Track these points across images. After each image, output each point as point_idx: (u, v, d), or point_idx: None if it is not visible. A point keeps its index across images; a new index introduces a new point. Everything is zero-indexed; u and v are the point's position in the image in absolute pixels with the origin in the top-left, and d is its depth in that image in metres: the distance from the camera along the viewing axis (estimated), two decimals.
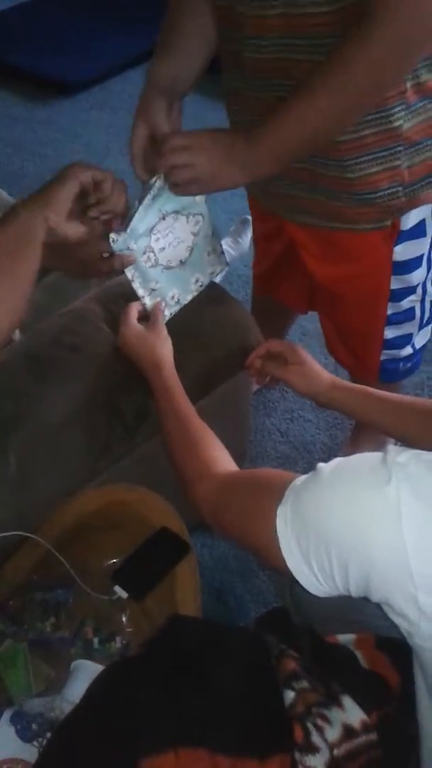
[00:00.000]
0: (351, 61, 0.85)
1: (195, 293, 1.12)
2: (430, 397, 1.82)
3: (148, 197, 0.96)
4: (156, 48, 1.06)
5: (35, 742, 0.85)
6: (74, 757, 0.72)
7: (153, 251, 1.01)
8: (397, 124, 1.00)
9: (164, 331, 1.04)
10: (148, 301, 1.06)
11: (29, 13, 3.68)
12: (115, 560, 1.04)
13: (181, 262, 1.06)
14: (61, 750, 0.75)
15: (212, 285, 1.20)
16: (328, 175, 1.07)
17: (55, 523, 1.00)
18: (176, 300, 1.09)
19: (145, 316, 1.07)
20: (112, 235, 0.94)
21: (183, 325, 1.11)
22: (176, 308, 1.10)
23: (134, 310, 1.05)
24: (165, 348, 1.02)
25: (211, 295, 1.19)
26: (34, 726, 0.86)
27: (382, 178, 1.06)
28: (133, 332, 1.02)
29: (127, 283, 1.05)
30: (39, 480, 0.99)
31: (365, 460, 0.67)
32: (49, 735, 0.84)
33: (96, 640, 0.98)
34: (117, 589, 0.98)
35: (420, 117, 1.01)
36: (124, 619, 1.00)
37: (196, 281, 1.12)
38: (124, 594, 0.98)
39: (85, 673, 0.89)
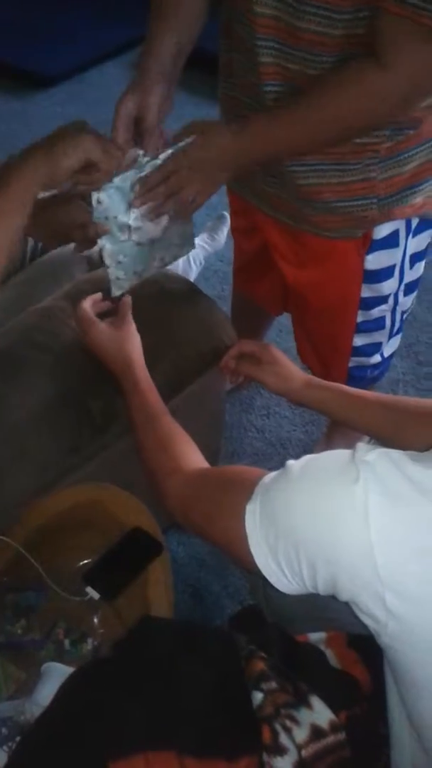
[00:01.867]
0: (338, 102, 0.90)
1: (156, 270, 1.11)
2: (405, 393, 1.82)
3: (132, 172, 0.94)
4: (153, 15, 1.00)
5: (5, 747, 0.85)
6: (43, 761, 0.71)
7: (129, 228, 0.99)
8: (374, 140, 1.00)
9: (133, 327, 1.02)
10: (112, 272, 1.03)
11: (4, 4, 3.63)
12: (87, 561, 1.03)
13: (151, 240, 1.04)
14: (29, 754, 0.74)
15: (185, 282, 1.19)
16: (298, 184, 1.07)
17: (26, 524, 0.99)
18: (138, 274, 1.07)
19: (108, 312, 1.05)
20: (95, 194, 0.92)
21: (155, 323, 1.10)
22: (136, 281, 1.08)
23: (89, 304, 1.03)
24: (134, 345, 1.00)
25: (184, 293, 1.18)
26: (3, 730, 0.85)
27: (356, 188, 1.05)
28: (99, 330, 1.00)
29: (98, 281, 1.04)
30: (5, 480, 0.97)
31: (334, 458, 0.67)
32: (19, 739, 0.83)
33: (67, 642, 0.97)
34: (89, 589, 0.97)
35: (399, 136, 1.01)
36: (95, 620, 1.00)
37: (161, 259, 1.10)
38: (96, 595, 0.97)
39: (56, 675, 0.88)
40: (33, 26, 3.35)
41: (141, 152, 0.95)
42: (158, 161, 0.94)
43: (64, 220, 0.94)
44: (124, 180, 0.93)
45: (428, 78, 0.88)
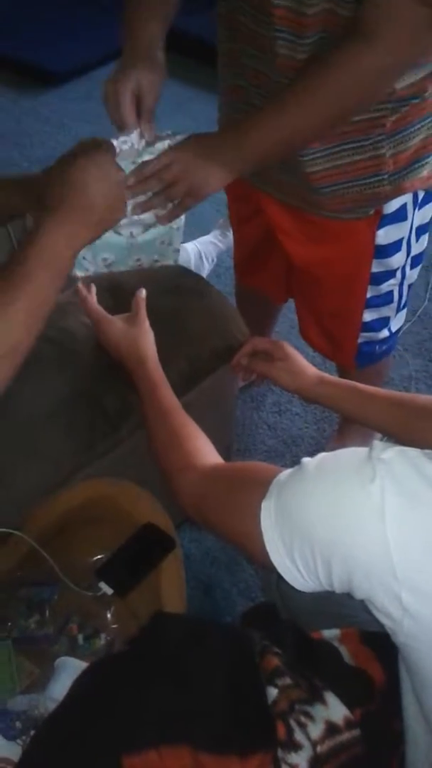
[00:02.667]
0: (330, 83, 0.88)
1: (129, 268, 1.06)
2: (418, 391, 1.82)
3: (130, 153, 0.93)
4: (128, 5, 1.01)
5: (19, 741, 0.85)
6: (57, 756, 0.72)
7: None
8: (378, 114, 1.00)
9: (146, 324, 1.02)
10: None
11: (14, 1, 3.65)
12: (100, 556, 1.03)
13: (131, 234, 1.01)
14: (44, 748, 0.74)
15: (198, 278, 1.19)
16: (308, 171, 1.07)
17: (40, 519, 0.99)
18: (107, 264, 1.03)
19: (121, 308, 1.05)
20: None
21: (168, 319, 1.10)
22: (103, 269, 1.03)
23: (94, 300, 1.02)
24: (148, 341, 1.01)
25: (196, 288, 1.18)
26: (17, 724, 0.86)
27: (367, 166, 1.06)
28: (113, 326, 1.01)
29: (112, 278, 1.03)
30: (18, 476, 0.98)
31: (350, 456, 0.66)
32: (32, 733, 0.84)
33: (81, 637, 0.97)
34: (102, 585, 0.97)
35: (403, 108, 1.01)
36: (108, 615, 1.00)
37: (137, 260, 1.06)
38: (108, 590, 0.97)
39: (69, 670, 0.89)
40: (43, 24, 3.38)
41: (137, 132, 0.93)
42: (155, 149, 0.92)
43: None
44: (121, 160, 0.91)
45: (415, 44, 0.87)
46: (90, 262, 1.01)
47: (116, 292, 1.08)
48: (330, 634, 0.82)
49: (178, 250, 1.07)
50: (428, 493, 0.60)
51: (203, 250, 2.02)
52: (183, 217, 1.02)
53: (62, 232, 0.78)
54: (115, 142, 0.90)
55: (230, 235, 2.11)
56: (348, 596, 0.67)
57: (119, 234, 1.00)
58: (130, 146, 0.93)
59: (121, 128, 0.94)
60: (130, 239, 1.01)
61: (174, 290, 1.14)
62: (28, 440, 0.98)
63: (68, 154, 0.87)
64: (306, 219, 1.18)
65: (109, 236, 0.98)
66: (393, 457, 0.63)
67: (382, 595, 0.60)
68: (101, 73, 3.10)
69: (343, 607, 0.85)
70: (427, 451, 0.64)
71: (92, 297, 1.04)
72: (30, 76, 3.09)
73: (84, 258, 1.00)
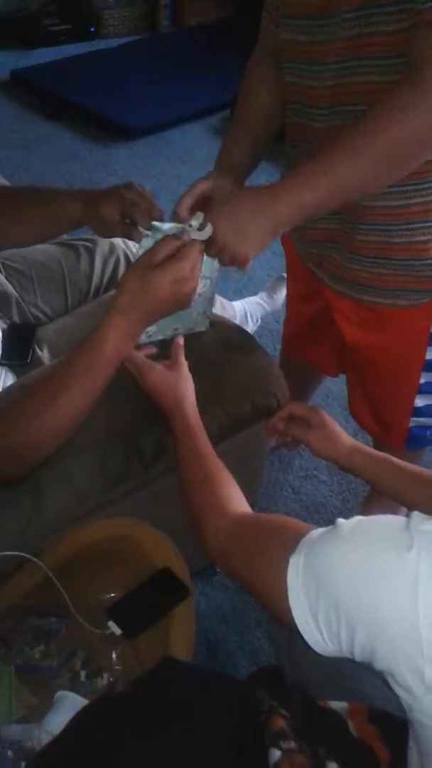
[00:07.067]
0: (382, 131, 0.84)
1: (166, 338, 1.12)
2: None
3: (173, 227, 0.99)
4: (230, 129, 1.18)
5: None
6: None
7: None
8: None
9: (185, 369, 1.04)
10: None
11: (100, 58, 3.88)
12: (112, 594, 1.03)
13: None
14: None
15: (246, 334, 1.21)
16: (372, 241, 1.09)
17: (58, 549, 1.00)
18: (148, 335, 1.09)
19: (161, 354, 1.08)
20: (144, 234, 1.02)
21: (212, 370, 1.12)
22: (144, 342, 1.09)
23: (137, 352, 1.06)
24: (186, 385, 1.02)
25: (242, 343, 1.20)
26: (9, 752, 0.84)
27: (428, 248, 1.08)
28: (153, 371, 1.03)
29: None
30: (48, 503, 0.99)
31: (387, 522, 0.66)
32: (23, 764, 0.82)
33: (83, 674, 0.96)
34: (111, 624, 0.96)
35: None
36: (114, 655, 0.99)
37: (175, 330, 1.12)
38: (117, 630, 0.96)
39: (68, 705, 0.87)
40: (124, 81, 3.58)
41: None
42: (181, 226, 0.97)
43: (109, 215, 1.08)
44: (171, 230, 0.98)
45: None
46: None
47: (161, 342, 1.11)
48: (337, 706, 0.80)
49: (209, 318, 1.16)
50: None
51: (249, 310, 2.06)
52: (213, 288, 1.10)
53: (119, 334, 0.95)
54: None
55: (276, 297, 2.16)
56: (360, 671, 0.65)
57: None
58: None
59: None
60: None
61: (221, 343, 1.17)
62: (63, 469, 1.00)
63: (145, 261, 0.95)
64: (361, 305, 1.20)
65: None
66: None
67: (404, 669, 0.59)
68: (172, 133, 3.25)
69: (352, 682, 0.83)
70: None
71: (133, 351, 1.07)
72: (105, 128, 3.25)
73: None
